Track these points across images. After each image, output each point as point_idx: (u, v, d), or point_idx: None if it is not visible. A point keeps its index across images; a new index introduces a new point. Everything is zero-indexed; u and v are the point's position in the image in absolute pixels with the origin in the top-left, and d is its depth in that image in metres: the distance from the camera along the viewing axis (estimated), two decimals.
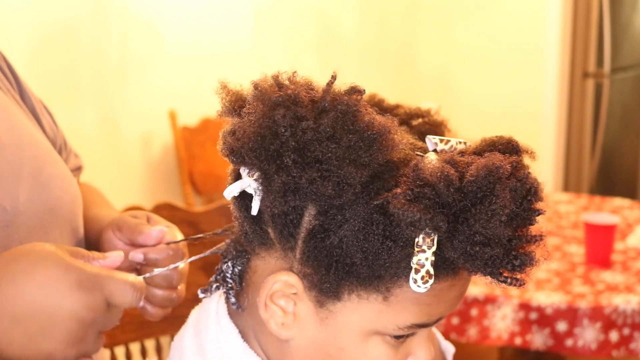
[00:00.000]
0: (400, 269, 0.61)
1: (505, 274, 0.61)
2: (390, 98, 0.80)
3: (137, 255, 0.80)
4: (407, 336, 0.67)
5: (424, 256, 0.59)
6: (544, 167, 3.62)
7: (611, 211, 2.41)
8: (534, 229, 0.62)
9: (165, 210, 1.41)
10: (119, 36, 2.58)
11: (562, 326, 1.75)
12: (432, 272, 0.60)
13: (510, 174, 0.60)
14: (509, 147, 0.64)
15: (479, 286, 1.84)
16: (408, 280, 0.61)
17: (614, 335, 1.74)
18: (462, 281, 0.65)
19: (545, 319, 1.75)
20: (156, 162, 2.77)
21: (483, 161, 0.60)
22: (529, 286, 1.84)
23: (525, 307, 1.76)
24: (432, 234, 0.59)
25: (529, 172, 0.61)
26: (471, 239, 0.59)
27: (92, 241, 0.88)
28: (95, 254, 0.70)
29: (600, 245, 1.97)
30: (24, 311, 0.64)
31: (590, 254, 1.98)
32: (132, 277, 0.68)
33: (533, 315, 1.76)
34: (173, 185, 2.81)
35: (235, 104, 0.65)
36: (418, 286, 0.60)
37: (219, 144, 0.65)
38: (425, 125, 0.75)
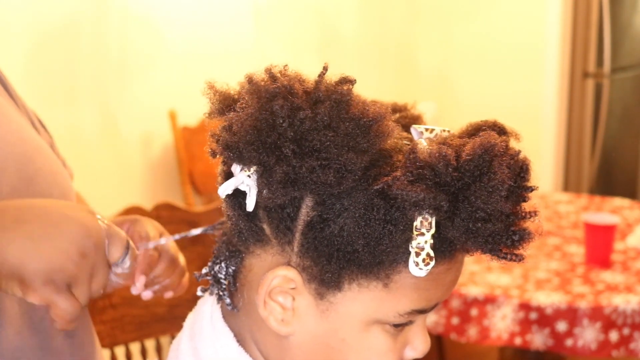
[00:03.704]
0: (399, 254, 0.62)
1: (504, 250, 0.62)
2: (390, 98, 0.80)
3: (146, 293, 0.87)
4: (405, 325, 0.68)
5: (423, 239, 0.60)
6: (544, 167, 3.62)
7: (611, 211, 2.41)
8: (527, 206, 0.64)
9: (165, 210, 1.41)
10: (119, 36, 2.58)
11: (562, 326, 1.75)
12: (432, 254, 0.61)
13: (504, 151, 0.61)
14: (496, 129, 0.65)
15: (479, 286, 1.84)
16: (407, 265, 0.62)
17: (613, 335, 1.74)
18: (457, 264, 0.67)
19: (545, 319, 1.75)
20: (156, 162, 2.77)
21: (478, 140, 0.61)
22: (529, 286, 1.84)
23: (525, 307, 1.76)
24: (430, 217, 0.60)
25: (519, 150, 0.63)
26: (473, 216, 0.60)
27: None
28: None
29: (600, 245, 1.97)
30: (33, 214, 0.65)
31: (590, 254, 1.98)
32: (130, 241, 0.75)
33: (533, 315, 1.76)
34: (173, 185, 2.81)
35: (224, 104, 0.66)
36: (420, 269, 0.61)
37: (210, 143, 0.65)
38: (404, 119, 0.75)
